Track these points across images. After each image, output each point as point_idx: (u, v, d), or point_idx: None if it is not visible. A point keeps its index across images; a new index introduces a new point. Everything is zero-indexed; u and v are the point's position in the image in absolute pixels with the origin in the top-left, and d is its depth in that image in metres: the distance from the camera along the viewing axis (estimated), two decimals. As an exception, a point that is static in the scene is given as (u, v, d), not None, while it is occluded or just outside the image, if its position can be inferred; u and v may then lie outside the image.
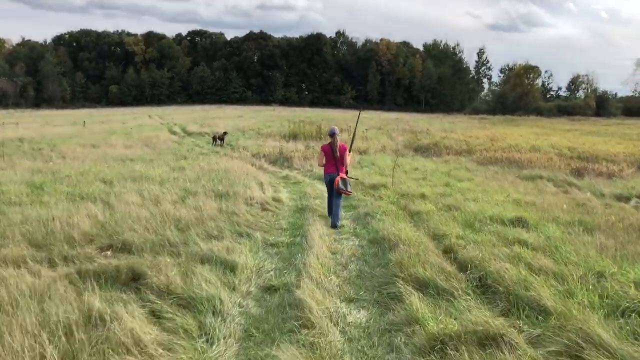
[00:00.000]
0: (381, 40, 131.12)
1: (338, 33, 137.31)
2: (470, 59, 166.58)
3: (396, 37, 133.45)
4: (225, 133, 26.52)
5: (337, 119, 53.60)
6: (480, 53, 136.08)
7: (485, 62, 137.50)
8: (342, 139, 10.39)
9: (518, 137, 31.08)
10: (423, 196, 11.39)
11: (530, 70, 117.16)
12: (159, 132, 31.01)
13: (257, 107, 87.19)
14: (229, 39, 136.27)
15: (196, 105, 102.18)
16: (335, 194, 9.27)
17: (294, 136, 27.77)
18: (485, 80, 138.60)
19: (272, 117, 53.76)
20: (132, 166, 14.85)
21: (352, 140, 10.52)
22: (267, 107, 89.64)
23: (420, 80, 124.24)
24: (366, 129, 31.96)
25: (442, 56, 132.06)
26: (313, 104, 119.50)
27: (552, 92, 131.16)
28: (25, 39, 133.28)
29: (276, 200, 11.13)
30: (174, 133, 32.64)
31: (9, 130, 28.08)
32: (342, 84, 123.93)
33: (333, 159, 9.39)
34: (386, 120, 56.48)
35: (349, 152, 9.80)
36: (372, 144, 25.59)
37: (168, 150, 21.12)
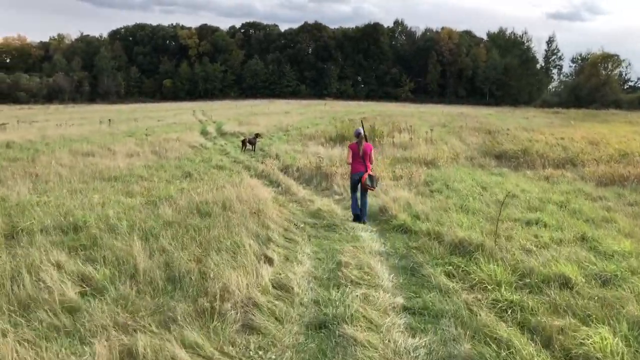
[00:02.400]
0: (442, 29, 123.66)
1: (396, 22, 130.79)
2: (537, 49, 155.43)
3: (455, 27, 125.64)
4: (257, 135, 21.75)
5: (395, 114, 48.00)
6: (550, 41, 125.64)
7: (555, 52, 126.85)
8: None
9: (620, 138, 24.72)
10: (566, 284, 5.95)
11: (608, 59, 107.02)
12: (187, 133, 26.63)
13: (308, 102, 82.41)
14: (282, 31, 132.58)
15: (248, 100, 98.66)
16: (362, 190, 9.83)
17: (341, 139, 22.66)
18: (554, 70, 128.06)
19: (322, 112, 48.73)
20: (92, 196, 10.16)
21: (366, 138, 10.30)
22: (320, 101, 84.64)
23: (485, 71, 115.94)
24: (430, 129, 26.35)
25: (508, 45, 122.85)
26: (369, 97, 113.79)
27: (630, 83, 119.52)
28: (84, 34, 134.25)
29: (278, 297, 5.83)
30: (205, 134, 28.22)
31: (13, 132, 24.36)
32: (400, 75, 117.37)
33: (360, 157, 9.82)
34: (450, 115, 50.36)
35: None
36: (439, 150, 20.16)
37: (177, 160, 16.52)
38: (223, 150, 21.00)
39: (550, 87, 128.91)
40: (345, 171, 13.74)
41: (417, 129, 29.95)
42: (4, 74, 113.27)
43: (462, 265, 6.60)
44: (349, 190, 10.41)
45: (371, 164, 9.92)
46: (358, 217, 9.69)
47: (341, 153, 17.52)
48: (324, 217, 9.72)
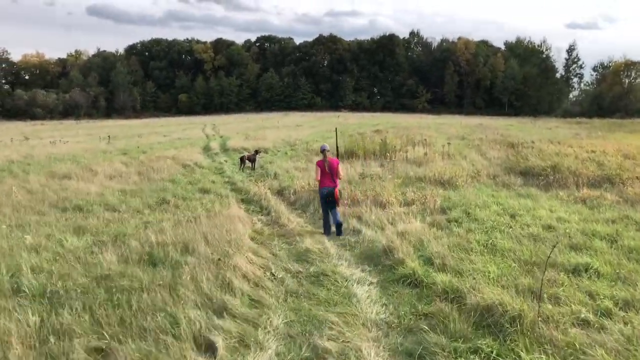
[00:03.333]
0: (459, 39, 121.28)
1: (412, 33, 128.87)
2: (556, 57, 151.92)
3: (472, 37, 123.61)
4: (257, 152, 19.90)
5: (410, 126, 45.87)
6: (571, 50, 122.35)
7: (576, 60, 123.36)
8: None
9: (658, 151, 22.34)
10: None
11: (631, 67, 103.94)
12: (187, 149, 24.95)
13: (323, 114, 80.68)
14: (297, 44, 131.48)
15: (263, 113, 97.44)
16: (330, 205, 9.78)
17: (349, 154, 20.71)
18: (575, 79, 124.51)
19: (335, 125, 46.74)
20: (24, 236, 8.29)
21: (337, 152, 11.44)
22: (335, 113, 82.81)
23: (503, 80, 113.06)
24: (448, 142, 24.25)
25: (526, 55, 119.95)
26: (385, 108, 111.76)
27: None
28: (100, 50, 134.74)
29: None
30: (207, 150, 26.51)
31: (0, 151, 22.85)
32: (416, 86, 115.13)
33: (328, 172, 9.90)
34: (468, 127, 48.08)
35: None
36: (458, 167, 18.08)
37: (162, 182, 14.67)
38: (219, 169, 19.18)
39: (571, 96, 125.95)
40: (348, 196, 11.77)
41: (433, 142, 27.90)
42: (21, 90, 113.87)
43: (493, 354, 4.54)
44: (321, 208, 10.27)
45: (339, 178, 10.06)
46: (329, 233, 9.69)
47: (346, 174, 15.54)
48: (313, 260, 7.70)
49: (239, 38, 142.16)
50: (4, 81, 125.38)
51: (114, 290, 5.78)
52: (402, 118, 66.78)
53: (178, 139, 33.33)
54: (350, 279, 6.91)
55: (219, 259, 6.85)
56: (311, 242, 8.49)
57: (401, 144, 22.87)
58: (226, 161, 21.72)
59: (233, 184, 15.11)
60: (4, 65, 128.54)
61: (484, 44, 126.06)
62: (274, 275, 6.91)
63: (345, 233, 9.53)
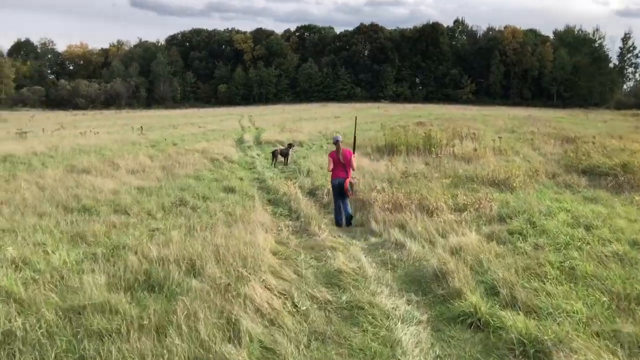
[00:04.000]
0: (505, 27, 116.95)
1: (456, 22, 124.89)
2: (610, 47, 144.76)
3: (519, 26, 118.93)
4: (290, 146, 18.56)
5: (455, 118, 43.68)
6: (626, 38, 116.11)
7: (631, 49, 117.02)
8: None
9: None
10: None
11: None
12: (219, 142, 23.86)
13: (362, 105, 78.77)
14: (338, 33, 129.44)
15: (301, 104, 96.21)
16: (342, 196, 9.76)
17: (390, 149, 19.14)
18: (630, 70, 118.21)
19: (374, 117, 45.10)
20: (6, 248, 7.11)
21: (354, 143, 11.12)
22: (374, 104, 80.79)
23: (552, 71, 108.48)
24: (498, 136, 22.32)
25: (577, 44, 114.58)
26: (427, 99, 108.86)
27: None
28: (143, 40, 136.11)
29: None
30: (240, 142, 25.41)
31: (27, 142, 22.19)
32: (460, 76, 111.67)
33: (341, 164, 9.81)
34: (517, 119, 45.53)
35: (353, 153, 10.25)
36: (511, 163, 16.29)
37: (185, 179, 13.48)
38: (250, 163, 17.94)
39: (625, 87, 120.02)
40: (389, 199, 10.25)
41: (481, 136, 26.00)
42: (65, 80, 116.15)
43: None
44: (333, 199, 10.23)
45: (353, 170, 10.04)
46: (340, 224, 9.75)
47: (387, 172, 14.01)
48: (346, 285, 6.23)
49: (279, 28, 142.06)
50: (49, 71, 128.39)
51: (82, 334, 4.49)
52: (445, 109, 64.36)
53: (212, 131, 32.35)
54: (393, 315, 5.42)
55: (228, 284, 5.49)
56: (344, 259, 7.02)
57: (447, 138, 21.10)
58: (258, 155, 20.48)
59: (262, 182, 13.79)
60: (49, 56, 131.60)
61: (532, 32, 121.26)
62: (296, 306, 5.48)
63: (386, 246, 8.04)
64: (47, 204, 9.89)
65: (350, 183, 9.76)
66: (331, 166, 9.92)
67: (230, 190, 11.96)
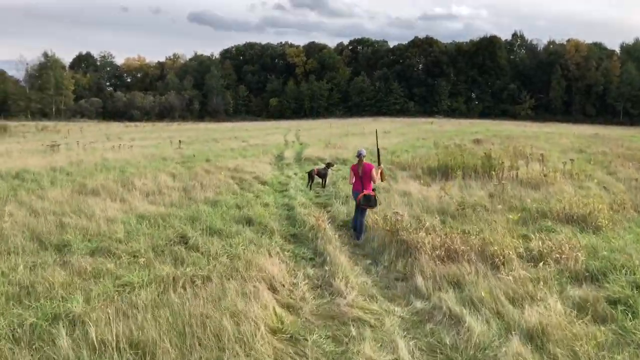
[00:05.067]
0: (568, 41, 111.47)
1: (515, 35, 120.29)
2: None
3: (583, 39, 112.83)
4: (329, 165, 16.49)
5: (514, 135, 40.56)
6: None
7: None
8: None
9: None
10: None
11: None
12: (256, 159, 22.21)
13: (415, 120, 75.95)
14: (391, 46, 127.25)
15: (352, 118, 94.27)
16: (359, 209, 9.71)
17: (444, 172, 16.79)
18: None
19: (427, 133, 42.55)
20: None
21: (378, 156, 10.81)
22: (427, 119, 77.82)
23: (618, 86, 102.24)
24: (570, 159, 19.58)
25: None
26: (483, 114, 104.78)
27: None
28: (198, 54, 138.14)
29: None
30: (279, 159, 23.65)
31: (54, 155, 21.07)
32: (518, 91, 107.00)
33: (360, 177, 9.79)
34: (583, 137, 41.95)
35: (379, 164, 10.38)
36: (586, 190, 13.76)
37: (203, 205, 11.64)
38: (283, 184, 15.99)
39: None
40: (441, 243, 8.00)
41: (547, 156, 23.25)
42: (121, 92, 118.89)
43: None
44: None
45: (374, 182, 9.86)
46: (358, 237, 9.62)
47: (440, 202, 11.76)
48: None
49: (332, 43, 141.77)
50: (107, 83, 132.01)
51: None
52: (503, 126, 60.85)
53: (254, 145, 30.77)
54: None
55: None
56: (374, 346, 4.87)
57: (510, 159, 18.55)
58: (296, 174, 18.54)
59: (290, 209, 11.76)
60: (108, 69, 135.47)
61: (597, 46, 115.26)
62: None
63: (435, 319, 5.80)
64: (21, 237, 8.23)
65: (367, 196, 9.55)
66: (352, 179, 9.99)
67: (248, 221, 9.97)
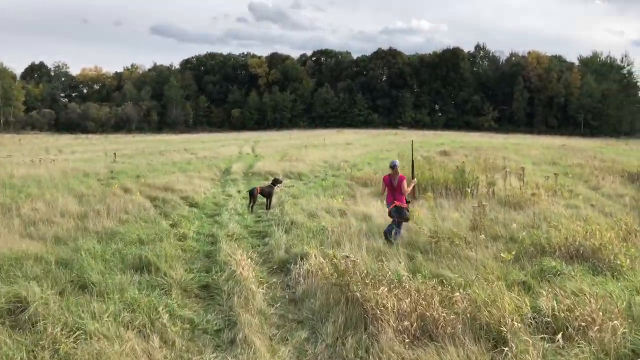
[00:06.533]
0: (529, 53, 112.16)
1: (477, 47, 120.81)
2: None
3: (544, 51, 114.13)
4: (275, 182, 13.82)
5: (482, 147, 38.63)
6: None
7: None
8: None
9: None
10: None
11: None
12: (197, 174, 19.41)
13: (378, 131, 74.17)
14: (355, 58, 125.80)
15: (317, 130, 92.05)
16: (393, 222, 9.39)
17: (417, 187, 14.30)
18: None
19: (392, 144, 40.31)
20: None
21: (413, 168, 10.81)
22: (392, 130, 76.04)
23: (579, 98, 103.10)
24: (554, 174, 17.44)
25: (604, 71, 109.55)
26: (447, 126, 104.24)
27: None
28: (157, 64, 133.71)
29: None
30: (225, 174, 20.94)
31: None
32: (482, 103, 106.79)
33: (393, 189, 9.53)
34: (552, 148, 40.55)
35: (413, 178, 10.24)
36: (576, 211, 11.56)
37: (92, 239, 8.75)
38: (219, 206, 13.24)
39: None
40: (410, 306, 5.34)
41: (521, 169, 21.17)
42: (75, 103, 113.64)
43: None
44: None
45: (403, 194, 9.45)
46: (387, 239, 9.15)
47: (411, 226, 9.26)
48: None
49: (296, 55, 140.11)
50: (62, 94, 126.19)
51: None
52: (468, 137, 59.34)
53: (202, 158, 27.90)
54: None
55: None
56: None
57: (485, 173, 16.24)
58: (239, 192, 15.80)
59: (214, 244, 8.98)
60: (63, 79, 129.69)
61: (557, 58, 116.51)
62: None
63: None
64: None
65: (400, 208, 9.31)
66: (384, 190, 9.79)
67: (144, 266, 7.14)
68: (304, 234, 9.31)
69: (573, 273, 6.87)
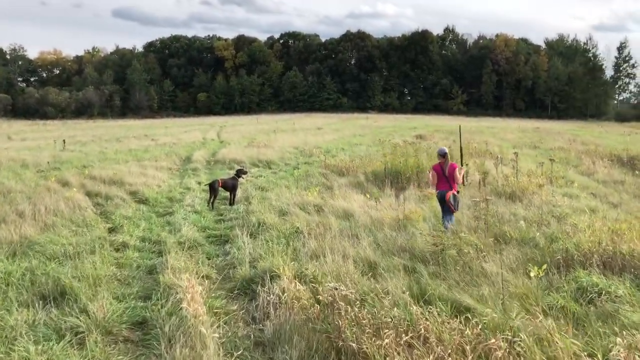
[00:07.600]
0: (497, 36, 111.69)
1: (446, 29, 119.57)
2: (605, 57, 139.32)
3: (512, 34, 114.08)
4: (239, 173, 11.97)
5: (453, 130, 37.45)
6: (622, 48, 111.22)
7: (627, 59, 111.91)
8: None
9: None
10: None
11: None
12: (156, 162, 17.38)
13: (348, 115, 72.51)
14: (323, 41, 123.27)
15: (285, 114, 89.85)
16: (447, 209, 9.12)
17: (394, 176, 12.73)
18: (626, 80, 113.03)
19: (364, 128, 38.72)
20: None
21: (462, 155, 10.74)
22: (361, 114, 74.49)
23: (546, 81, 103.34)
24: (514, 151, 16.10)
25: (570, 54, 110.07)
26: (416, 110, 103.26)
27: None
28: (120, 47, 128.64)
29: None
30: (186, 162, 18.94)
31: None
32: (451, 86, 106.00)
33: (444, 177, 9.24)
34: (527, 131, 39.70)
35: (461, 166, 9.95)
36: (577, 202, 10.14)
37: (22, 254, 6.84)
38: (175, 201, 11.37)
39: (622, 98, 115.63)
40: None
41: (503, 153, 19.97)
42: (33, 88, 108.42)
43: None
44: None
45: (457, 183, 9.21)
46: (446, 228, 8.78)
47: (399, 218, 7.63)
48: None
49: (263, 38, 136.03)
50: (20, 79, 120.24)
51: None
52: (440, 120, 58.22)
53: (162, 145, 25.76)
54: None
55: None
56: None
57: (471, 159, 14.74)
58: (199, 184, 13.90)
59: (159, 254, 7.16)
60: (20, 62, 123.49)
61: (524, 41, 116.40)
62: None
63: None
64: None
65: (454, 196, 8.95)
66: (435, 180, 9.36)
67: (60, 294, 5.30)
68: (274, 239, 7.55)
69: (623, 294, 5.32)
